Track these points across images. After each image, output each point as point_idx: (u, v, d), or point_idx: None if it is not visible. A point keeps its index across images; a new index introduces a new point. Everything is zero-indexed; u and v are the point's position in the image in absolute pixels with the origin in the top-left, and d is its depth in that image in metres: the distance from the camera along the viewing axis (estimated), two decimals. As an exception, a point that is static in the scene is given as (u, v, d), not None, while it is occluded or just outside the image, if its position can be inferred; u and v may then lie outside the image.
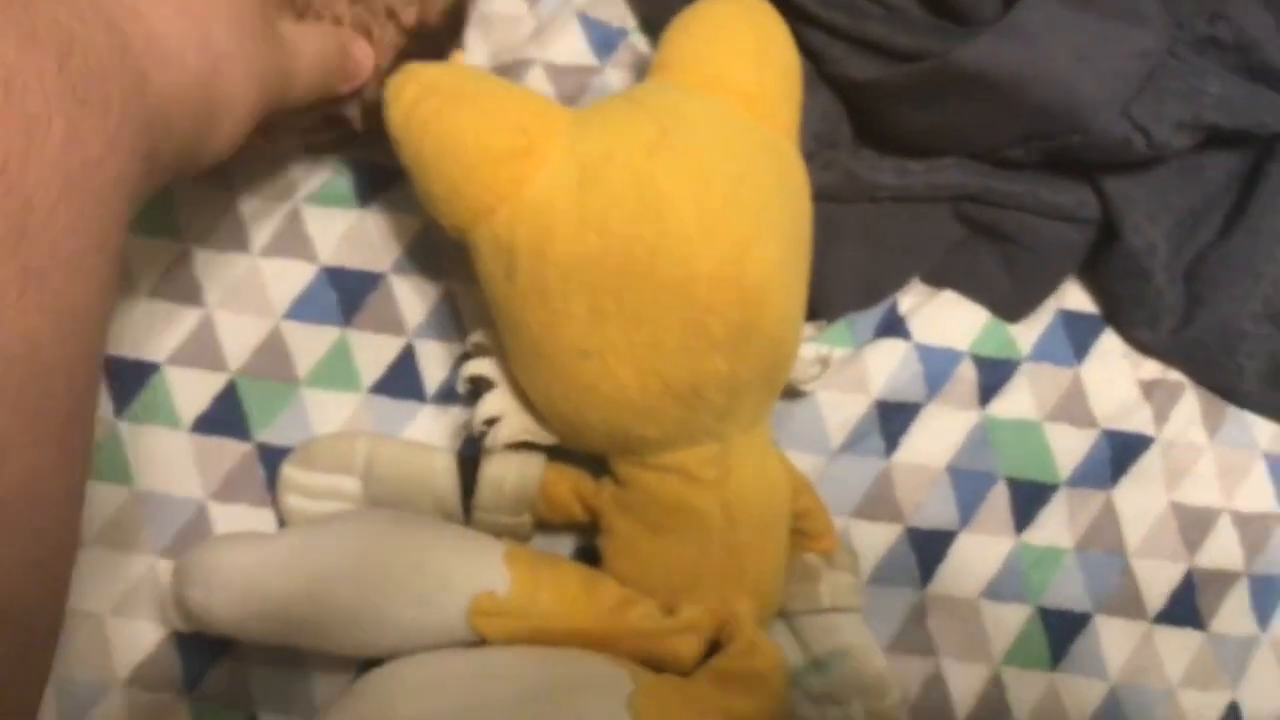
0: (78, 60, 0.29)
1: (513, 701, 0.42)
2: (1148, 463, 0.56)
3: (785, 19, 0.49)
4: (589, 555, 0.50)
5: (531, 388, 0.47)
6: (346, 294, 0.53)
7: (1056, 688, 0.53)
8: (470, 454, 0.50)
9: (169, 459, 0.51)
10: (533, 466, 0.49)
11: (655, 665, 0.46)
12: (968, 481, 0.55)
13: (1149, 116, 0.49)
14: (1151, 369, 0.57)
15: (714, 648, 0.47)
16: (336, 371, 0.53)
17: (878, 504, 0.54)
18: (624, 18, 0.58)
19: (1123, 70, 0.49)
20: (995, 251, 0.55)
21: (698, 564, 0.47)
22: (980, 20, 0.50)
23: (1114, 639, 0.54)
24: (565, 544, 0.53)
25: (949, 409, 0.55)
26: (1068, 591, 0.54)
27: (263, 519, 0.51)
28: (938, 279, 0.56)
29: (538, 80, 0.56)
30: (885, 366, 0.55)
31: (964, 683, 0.53)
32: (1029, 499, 0.55)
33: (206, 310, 0.52)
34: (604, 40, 0.57)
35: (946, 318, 0.56)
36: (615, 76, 0.57)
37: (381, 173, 0.54)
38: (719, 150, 0.44)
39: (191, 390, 0.52)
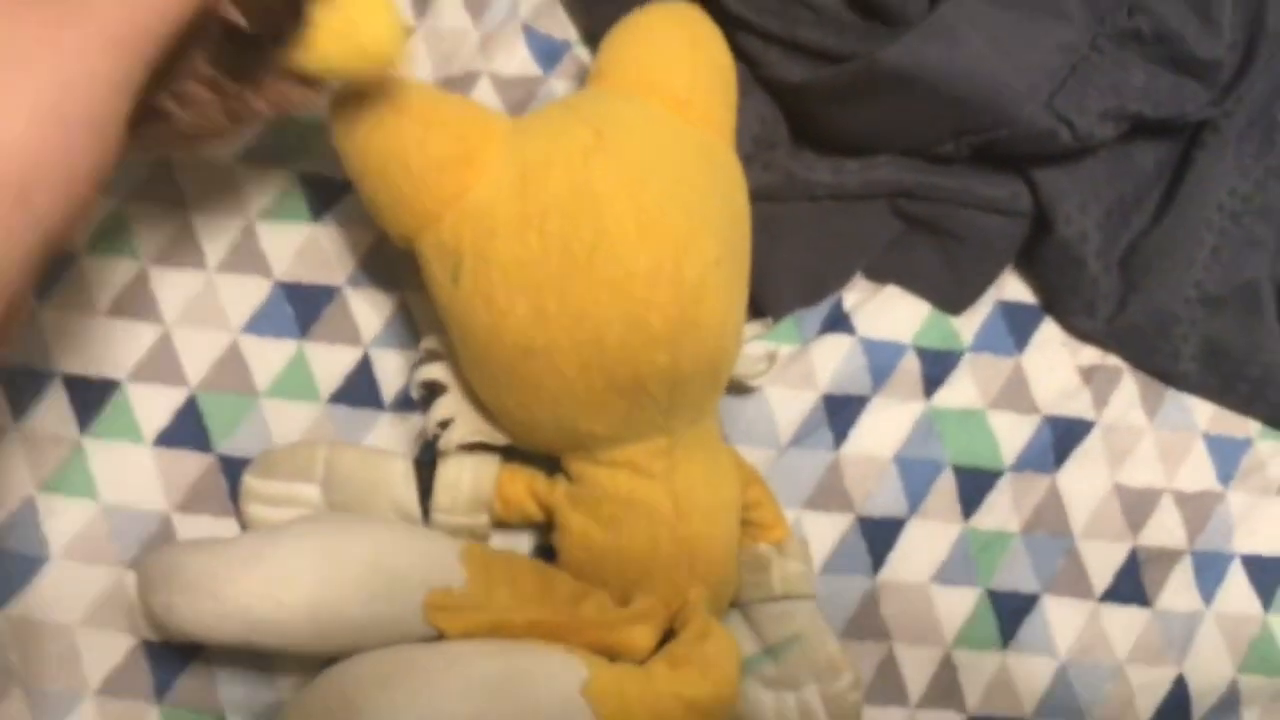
0: None
1: (469, 691, 0.44)
2: (1089, 446, 0.58)
3: (720, 25, 0.50)
4: (546, 554, 0.52)
5: (482, 389, 0.49)
6: (303, 307, 0.54)
7: (1007, 667, 0.55)
8: (427, 459, 0.51)
9: (133, 473, 0.52)
10: (487, 468, 0.50)
11: (611, 655, 0.47)
12: (915, 470, 0.56)
13: (1073, 108, 0.51)
14: (1090, 355, 0.59)
15: (669, 638, 0.48)
16: (295, 383, 0.54)
17: (828, 495, 0.55)
18: (566, 29, 0.59)
19: (1045, 64, 0.51)
20: (934, 246, 0.57)
21: (649, 555, 0.48)
22: (908, 21, 0.52)
23: (1062, 618, 0.56)
24: (523, 543, 0.54)
25: (895, 401, 0.57)
26: (1015, 574, 0.56)
27: (226, 529, 0.52)
28: (880, 274, 0.58)
29: (485, 92, 0.57)
30: (831, 361, 0.56)
31: (917, 665, 0.54)
32: (975, 485, 0.56)
33: (165, 327, 0.53)
34: (548, 52, 0.59)
35: (890, 312, 0.58)
36: (560, 86, 0.59)
37: (333, 187, 0.55)
38: (653, 152, 0.46)
39: (153, 405, 0.53)
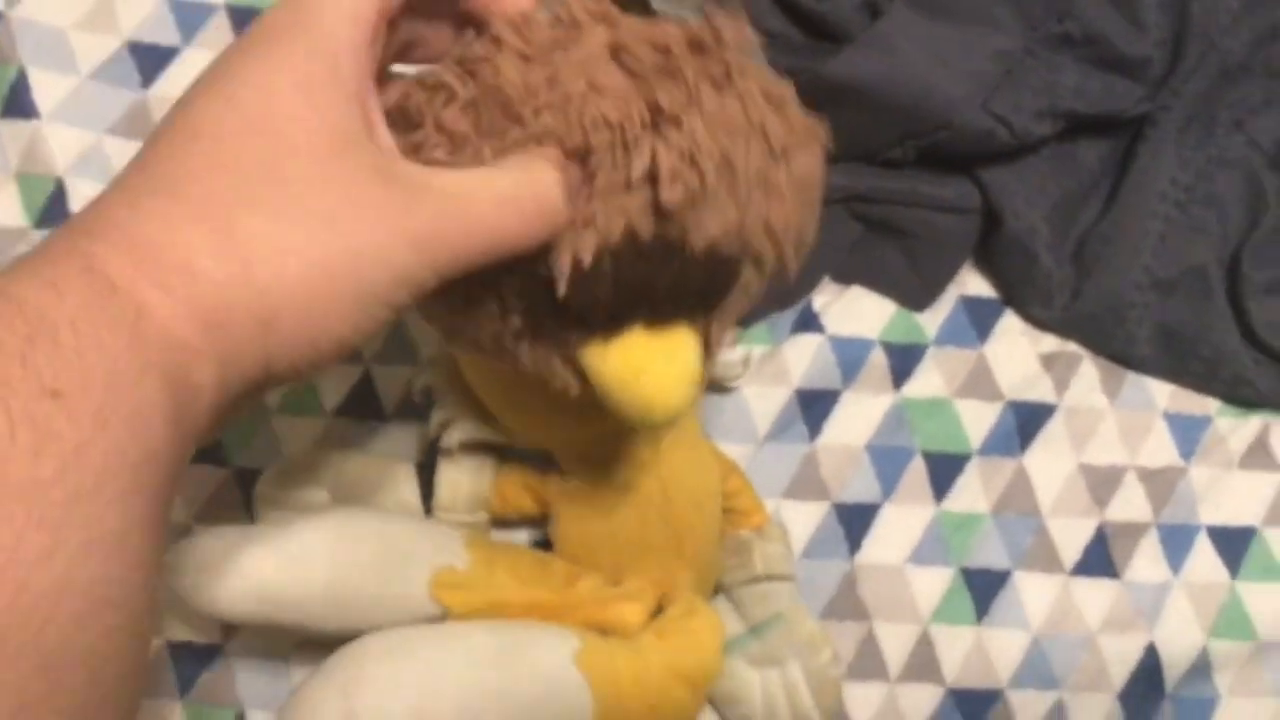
0: (46, 347, 0.26)
1: (470, 663, 0.47)
2: (1053, 429, 0.61)
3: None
4: (544, 549, 0.55)
5: (481, 392, 0.52)
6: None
7: (982, 641, 0.57)
8: (428, 462, 0.55)
9: (155, 488, 0.56)
10: (485, 467, 0.54)
11: (604, 632, 0.50)
12: (887, 458, 0.59)
13: (1008, 109, 0.55)
14: (1050, 343, 0.63)
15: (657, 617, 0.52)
16: (303, 399, 0.58)
17: (805, 484, 0.59)
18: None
19: (980, 70, 0.55)
20: (894, 246, 0.61)
21: (640, 539, 0.51)
22: (852, 38, 0.56)
23: (1034, 592, 0.58)
24: (520, 540, 0.57)
25: (865, 393, 0.60)
26: (987, 552, 0.59)
27: (243, 536, 0.56)
28: (845, 276, 0.61)
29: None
30: (803, 359, 0.60)
31: (895, 642, 0.57)
32: (945, 470, 0.60)
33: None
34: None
35: (857, 311, 0.61)
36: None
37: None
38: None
39: (172, 424, 0.57)
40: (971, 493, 0.60)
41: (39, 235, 0.59)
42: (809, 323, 0.61)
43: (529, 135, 0.36)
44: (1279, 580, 0.60)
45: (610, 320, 0.39)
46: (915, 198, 0.59)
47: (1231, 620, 0.59)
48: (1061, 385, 0.62)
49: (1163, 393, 0.63)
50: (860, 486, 0.59)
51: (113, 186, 0.31)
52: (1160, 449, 0.62)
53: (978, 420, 0.61)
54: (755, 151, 0.39)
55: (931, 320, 0.62)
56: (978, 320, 0.62)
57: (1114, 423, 0.61)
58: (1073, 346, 0.62)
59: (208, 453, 0.57)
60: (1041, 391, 0.61)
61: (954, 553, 0.59)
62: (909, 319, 0.62)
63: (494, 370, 0.50)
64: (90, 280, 0.28)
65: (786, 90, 0.41)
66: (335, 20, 0.33)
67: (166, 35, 0.63)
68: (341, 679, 0.46)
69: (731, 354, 0.58)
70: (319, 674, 0.47)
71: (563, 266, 0.37)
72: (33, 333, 0.26)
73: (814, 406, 0.60)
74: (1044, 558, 0.59)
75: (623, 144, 0.36)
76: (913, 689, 0.57)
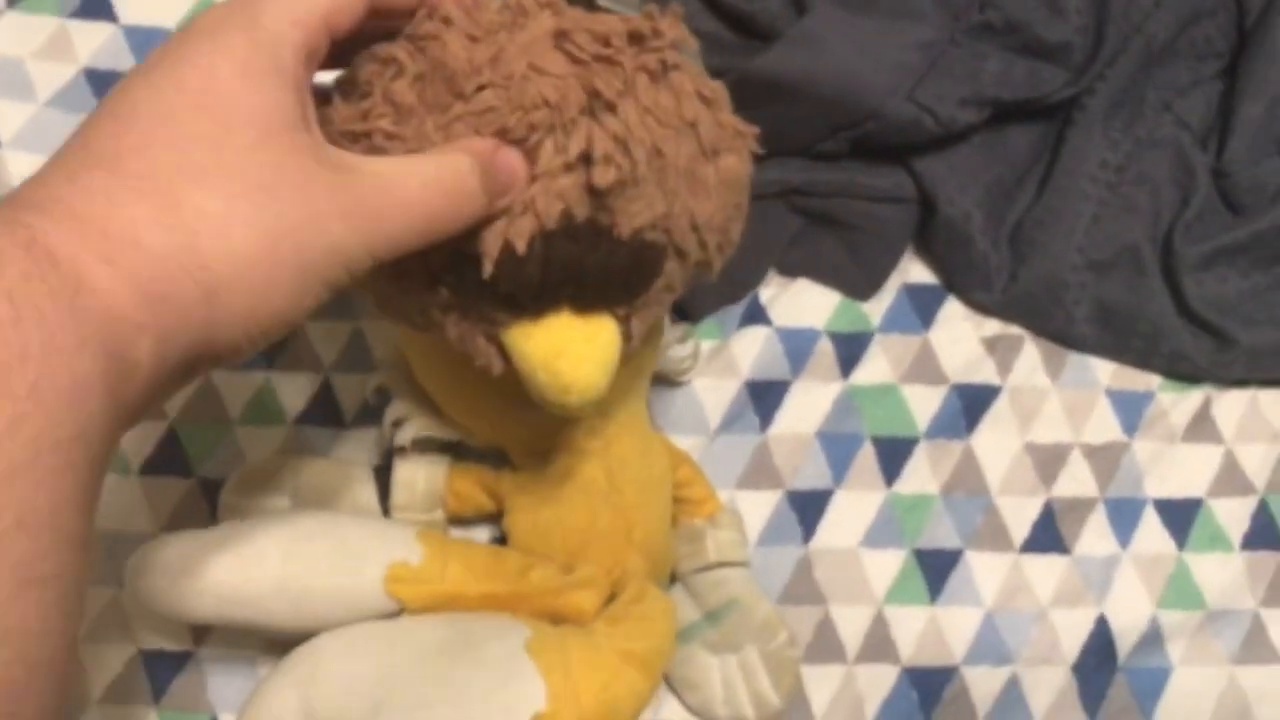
0: None
1: (423, 655, 0.48)
2: (998, 410, 0.62)
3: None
4: (502, 546, 0.56)
5: (432, 390, 0.54)
6: (268, 341, 0.60)
7: (936, 619, 0.59)
8: (386, 466, 0.56)
9: (122, 502, 0.57)
10: (439, 466, 0.55)
11: (558, 621, 0.52)
12: (838, 444, 0.61)
13: (933, 97, 0.57)
14: (992, 326, 0.64)
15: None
16: (264, 409, 0.59)
17: (759, 473, 0.60)
18: None
19: (905, 61, 0.56)
20: (835, 238, 0.62)
21: (589, 527, 0.53)
22: (779, 35, 0.58)
23: (985, 570, 0.60)
24: (481, 538, 0.58)
25: (814, 382, 0.62)
26: (938, 532, 0.60)
27: (209, 544, 0.57)
28: (790, 270, 0.63)
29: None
30: (751, 351, 0.62)
31: (852, 624, 0.58)
32: (894, 454, 0.61)
33: (145, 367, 0.59)
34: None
35: (803, 302, 0.63)
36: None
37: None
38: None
39: (137, 439, 0.58)
40: (921, 475, 0.61)
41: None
42: (756, 315, 0.62)
43: (470, 110, 0.38)
44: (1226, 550, 0.61)
45: (536, 301, 0.41)
46: (852, 189, 0.60)
47: (1181, 591, 0.61)
48: (1005, 367, 0.63)
49: (1104, 370, 0.64)
50: (812, 473, 0.60)
51: (52, 163, 0.31)
52: (1104, 425, 0.63)
53: (925, 404, 0.62)
54: (685, 146, 0.41)
55: (876, 308, 0.64)
56: (921, 307, 0.64)
57: (1058, 401, 0.63)
58: (1015, 329, 0.64)
59: (172, 464, 0.58)
60: (986, 374, 0.63)
61: (906, 535, 0.60)
62: (854, 308, 0.63)
63: (443, 368, 0.52)
64: (30, 252, 0.28)
65: (720, 91, 0.43)
66: (279, 18, 0.34)
67: (123, 62, 0.65)
68: (299, 676, 0.48)
69: (681, 348, 0.60)
70: (277, 672, 0.48)
71: (489, 249, 0.38)
72: None
73: (764, 397, 0.61)
74: (994, 536, 0.60)
75: (561, 125, 0.38)
76: (870, 669, 0.58)
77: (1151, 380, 0.64)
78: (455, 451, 0.56)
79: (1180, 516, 0.62)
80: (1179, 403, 0.64)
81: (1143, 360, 0.63)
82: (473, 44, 0.38)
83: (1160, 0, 0.62)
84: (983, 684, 0.58)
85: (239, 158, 0.32)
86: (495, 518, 0.56)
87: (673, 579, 0.57)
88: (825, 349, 0.62)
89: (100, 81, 0.64)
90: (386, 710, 0.47)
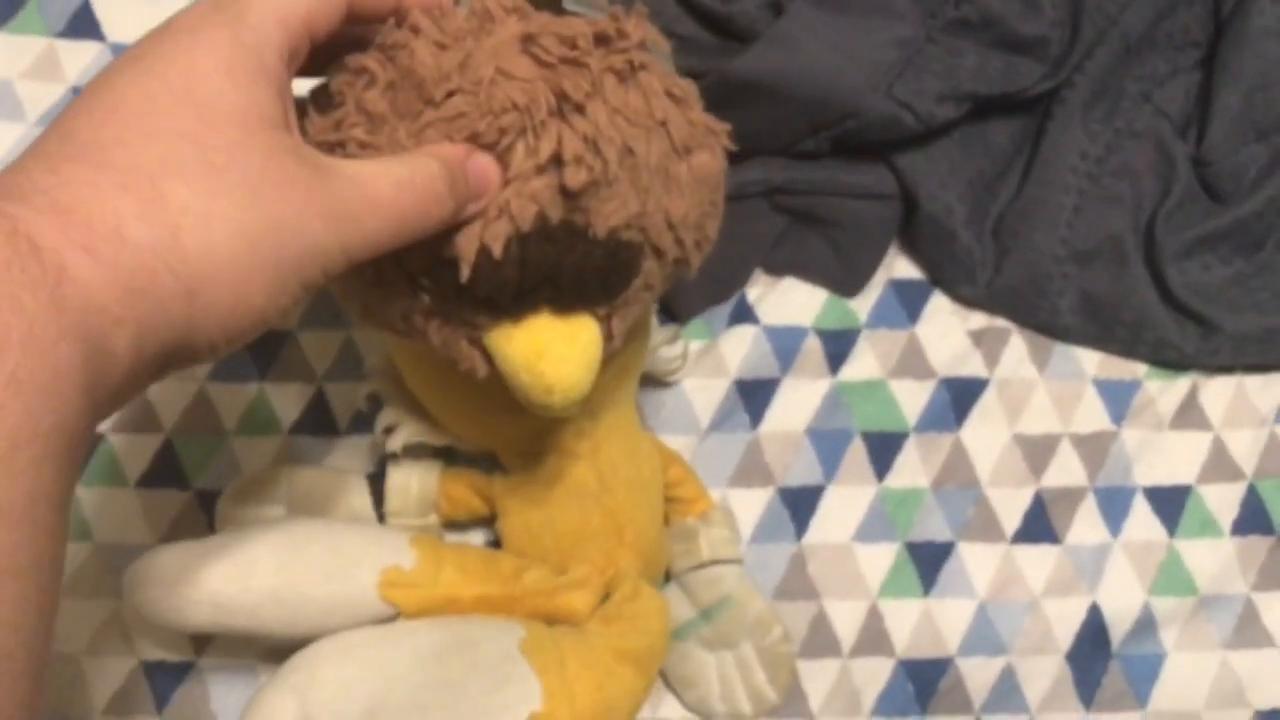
0: None
1: (418, 659, 0.49)
2: (987, 402, 0.63)
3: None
4: (497, 549, 0.57)
5: (422, 396, 0.54)
6: (261, 353, 0.61)
7: (930, 612, 0.59)
8: (380, 473, 0.57)
9: (121, 514, 0.58)
10: (432, 470, 0.56)
11: (553, 622, 0.52)
12: (828, 441, 0.61)
13: (911, 94, 0.57)
14: (978, 319, 0.65)
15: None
16: (259, 420, 0.60)
17: (750, 471, 0.61)
18: None
19: (882, 59, 0.57)
20: (820, 236, 0.63)
21: (581, 527, 0.53)
22: (758, 36, 0.58)
23: (977, 562, 0.60)
24: (476, 542, 0.59)
25: (803, 380, 0.62)
26: (930, 525, 0.61)
27: (207, 554, 0.58)
28: (776, 268, 0.64)
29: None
30: (740, 350, 0.62)
31: (846, 618, 0.59)
32: (884, 449, 0.62)
33: (140, 381, 0.60)
34: None
35: (790, 300, 0.64)
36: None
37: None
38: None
39: (134, 452, 0.59)
40: (911, 469, 0.61)
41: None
42: (744, 314, 0.63)
43: (441, 117, 0.38)
44: (1216, 536, 0.62)
45: (515, 303, 0.41)
46: (835, 187, 0.61)
47: (1172, 577, 0.61)
48: (992, 360, 0.64)
49: (1091, 360, 0.64)
50: (803, 470, 0.61)
51: (32, 152, 0.31)
52: (1092, 415, 0.63)
53: (913, 399, 0.63)
54: (656, 144, 0.41)
55: (863, 305, 0.64)
56: (907, 302, 0.64)
57: (1045, 392, 0.63)
58: (1001, 321, 0.64)
59: (169, 477, 0.59)
60: (973, 367, 0.63)
61: (898, 528, 0.60)
62: (841, 305, 0.64)
63: (431, 374, 0.52)
64: (12, 242, 0.27)
65: (689, 89, 0.44)
66: (263, 17, 0.34)
67: (111, 81, 0.65)
68: (297, 682, 0.48)
69: (670, 349, 0.60)
70: (275, 678, 0.49)
71: (466, 253, 0.39)
72: None
73: (754, 395, 0.62)
74: (985, 527, 0.61)
75: (531, 128, 0.38)
76: (865, 663, 0.58)
77: (1138, 369, 0.65)
78: (447, 456, 0.57)
79: (1170, 503, 0.62)
80: (1166, 390, 0.64)
81: (1128, 349, 0.63)
82: (441, 51, 0.39)
83: (1136, -9, 0.63)
84: (978, 674, 0.58)
85: (222, 155, 0.32)
86: (489, 521, 0.57)
87: (667, 578, 0.57)
88: (813, 346, 0.63)
89: (90, 100, 0.65)
90: (384, 714, 0.48)
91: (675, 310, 0.62)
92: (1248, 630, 0.60)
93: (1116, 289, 0.62)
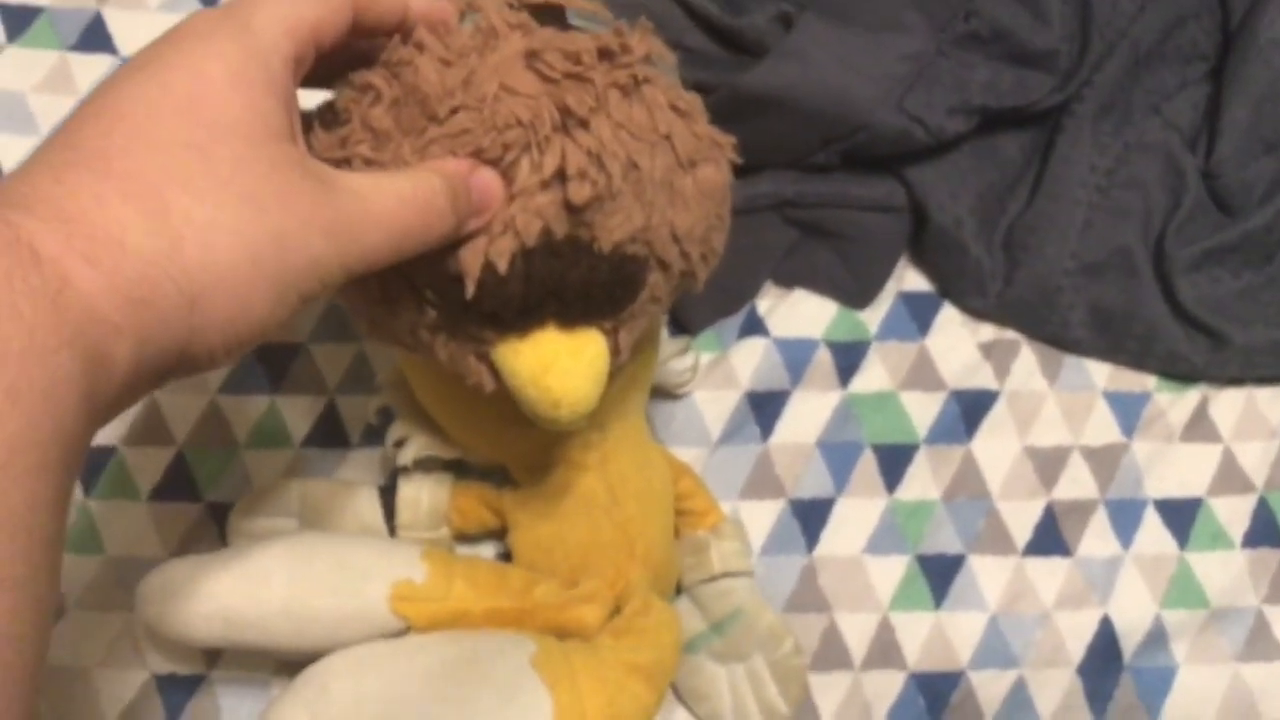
0: None
1: (430, 674, 0.49)
2: (997, 414, 0.63)
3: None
4: (507, 562, 0.57)
5: (432, 409, 0.54)
6: (272, 366, 0.61)
7: (941, 624, 0.59)
8: (391, 485, 0.57)
9: (133, 527, 0.58)
10: (443, 484, 0.56)
11: (563, 636, 0.52)
12: (838, 453, 0.62)
13: (922, 107, 0.57)
14: (988, 332, 0.65)
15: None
16: (270, 433, 0.60)
17: (761, 484, 0.61)
18: None
19: (892, 73, 0.57)
20: (829, 248, 0.63)
21: (591, 540, 0.53)
22: (767, 50, 0.59)
23: (988, 574, 0.60)
24: (487, 554, 0.59)
25: (813, 392, 0.62)
26: (941, 538, 0.61)
27: (219, 567, 0.58)
28: (786, 280, 0.64)
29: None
30: (750, 362, 0.62)
31: (857, 630, 0.59)
32: (895, 461, 0.62)
33: (151, 395, 0.60)
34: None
35: (800, 313, 0.64)
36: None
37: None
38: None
39: (146, 465, 0.59)
40: (922, 481, 0.61)
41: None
42: (754, 327, 0.63)
43: (445, 133, 0.38)
44: (1228, 548, 0.62)
45: (521, 317, 0.41)
46: (845, 200, 0.61)
47: (1183, 590, 0.61)
48: (1002, 371, 0.64)
49: (1101, 372, 0.65)
50: (814, 482, 0.61)
51: (36, 159, 0.31)
52: (1102, 427, 0.64)
53: (924, 411, 0.63)
54: (661, 158, 0.41)
55: (873, 317, 0.64)
56: (917, 314, 0.65)
57: (1055, 404, 0.63)
58: (1011, 333, 0.64)
59: (181, 490, 0.59)
60: (983, 379, 0.63)
61: (909, 540, 0.60)
62: (851, 317, 0.64)
63: (441, 387, 0.52)
64: (14, 250, 0.27)
65: (695, 102, 0.44)
66: (269, 26, 0.34)
67: (123, 94, 0.66)
68: (308, 696, 0.48)
69: (680, 361, 0.60)
70: (286, 693, 0.49)
71: (470, 268, 0.39)
72: None
73: (764, 407, 0.62)
74: (996, 540, 0.61)
75: (535, 143, 0.38)
76: (876, 676, 0.58)
77: (1148, 381, 0.65)
78: (458, 469, 0.57)
79: (1181, 516, 0.62)
80: (1176, 403, 0.64)
81: (1138, 361, 0.64)
82: (445, 67, 0.39)
83: (1144, 4, 0.63)
84: (989, 687, 0.58)
85: (226, 166, 0.31)
86: (500, 534, 0.57)
87: (678, 590, 0.57)
88: (824, 358, 0.63)
89: (102, 114, 0.65)
90: (395, 728, 0.48)
91: (685, 322, 0.62)
92: (1259, 643, 0.60)
93: (1126, 301, 0.62)
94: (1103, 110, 0.63)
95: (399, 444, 0.55)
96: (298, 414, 0.61)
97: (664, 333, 0.58)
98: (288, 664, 0.54)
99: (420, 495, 0.56)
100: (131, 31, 0.68)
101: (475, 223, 0.39)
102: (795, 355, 0.63)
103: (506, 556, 0.57)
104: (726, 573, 0.56)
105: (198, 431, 0.60)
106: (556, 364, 0.42)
